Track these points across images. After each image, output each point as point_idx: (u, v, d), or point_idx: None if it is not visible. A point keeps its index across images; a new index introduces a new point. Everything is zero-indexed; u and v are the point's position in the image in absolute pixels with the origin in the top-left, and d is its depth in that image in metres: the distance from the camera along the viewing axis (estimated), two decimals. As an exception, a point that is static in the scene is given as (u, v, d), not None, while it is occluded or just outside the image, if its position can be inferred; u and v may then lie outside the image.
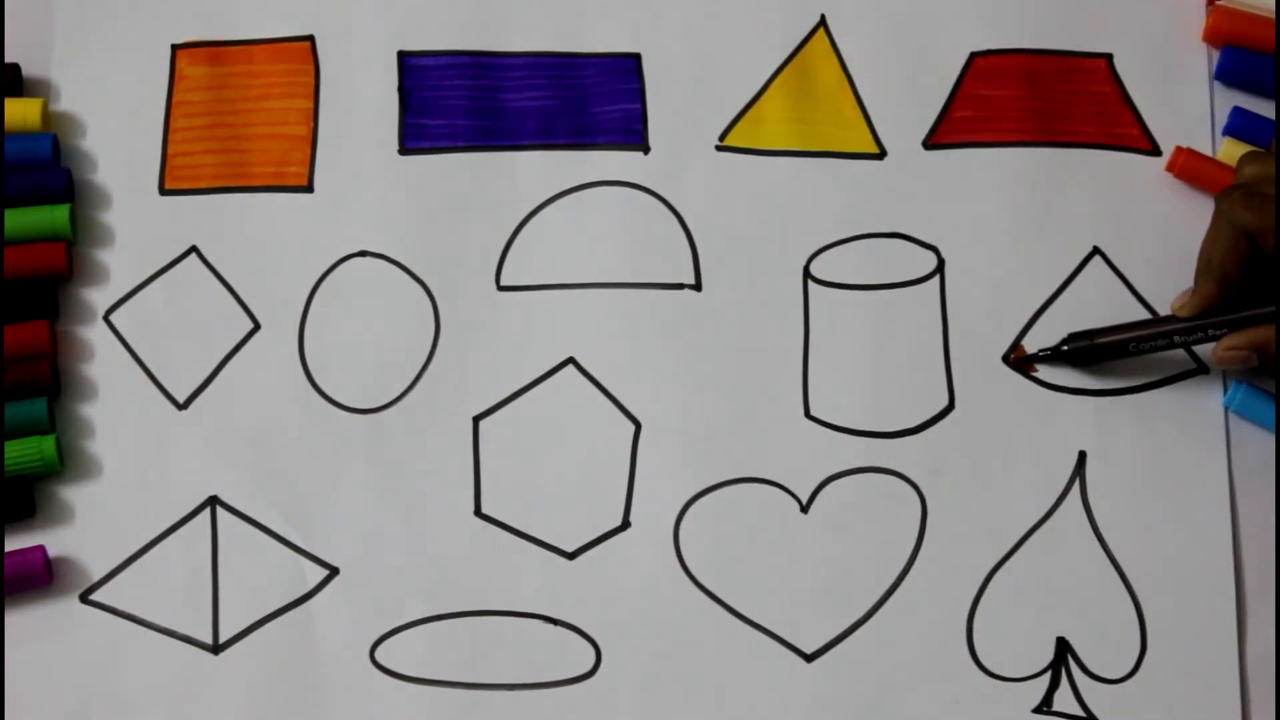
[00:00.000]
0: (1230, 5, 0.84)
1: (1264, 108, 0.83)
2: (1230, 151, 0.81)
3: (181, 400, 0.79)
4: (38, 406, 0.77)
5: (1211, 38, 0.84)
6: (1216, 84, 0.84)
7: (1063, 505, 0.78)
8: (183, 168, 0.82)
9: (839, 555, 0.78)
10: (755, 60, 0.84)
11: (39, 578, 0.76)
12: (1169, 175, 0.82)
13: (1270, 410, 0.79)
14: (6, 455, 0.76)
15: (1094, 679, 0.77)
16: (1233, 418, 0.79)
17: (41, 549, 0.76)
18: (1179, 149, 0.82)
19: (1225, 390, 0.80)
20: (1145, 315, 0.80)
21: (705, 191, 0.82)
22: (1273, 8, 0.83)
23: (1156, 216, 0.82)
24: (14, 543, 0.77)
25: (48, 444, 0.77)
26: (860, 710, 0.76)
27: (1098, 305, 0.81)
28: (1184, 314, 0.77)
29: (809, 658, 0.77)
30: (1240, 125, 0.82)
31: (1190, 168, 0.82)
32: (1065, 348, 0.79)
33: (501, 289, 0.81)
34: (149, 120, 0.82)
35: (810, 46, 0.84)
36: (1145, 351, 0.78)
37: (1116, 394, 0.80)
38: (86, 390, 0.79)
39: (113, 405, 0.79)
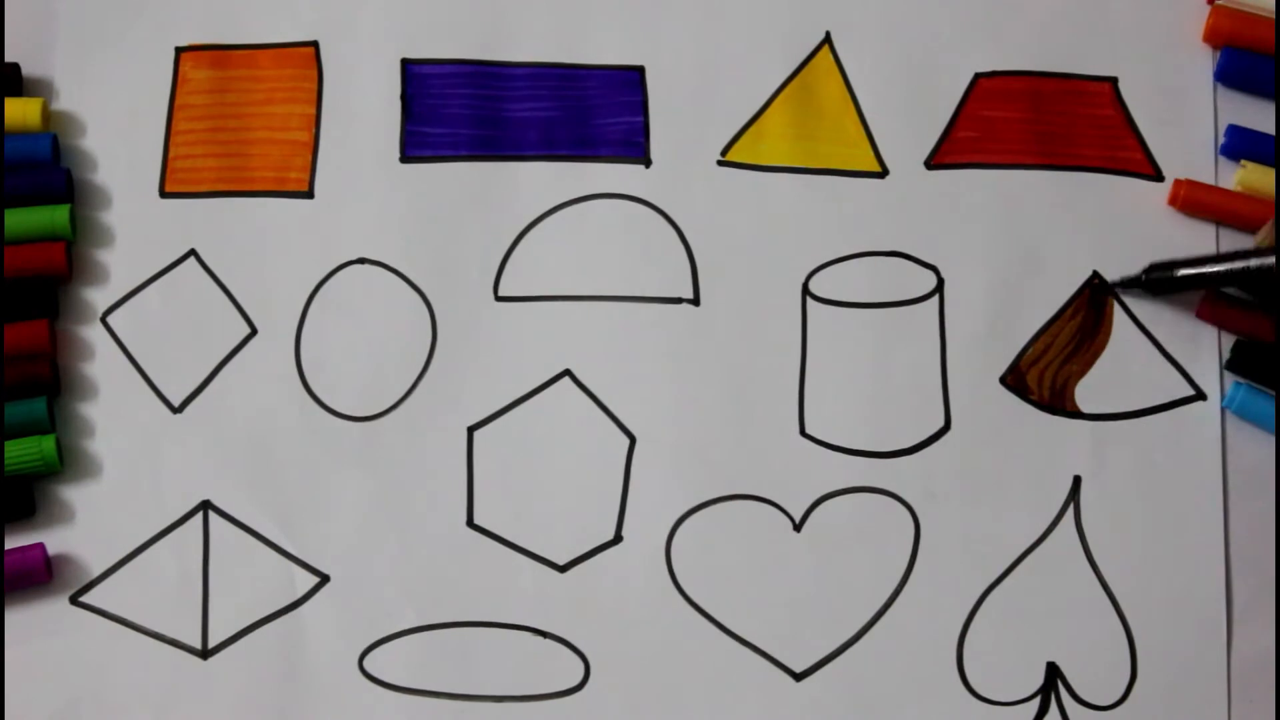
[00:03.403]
0: (1230, 5, 0.83)
1: (1263, 108, 0.83)
2: (1233, 176, 0.82)
3: (176, 403, 0.79)
4: (38, 406, 0.77)
5: (1212, 38, 0.84)
6: (1221, 95, 0.83)
7: (1056, 529, 0.78)
8: (183, 170, 0.82)
9: (831, 574, 0.78)
10: (758, 76, 0.83)
11: (38, 575, 0.76)
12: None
13: (1270, 411, 0.79)
14: (6, 455, 0.76)
15: (1083, 705, 0.76)
16: (1229, 442, 0.79)
17: (41, 547, 0.76)
18: (1179, 181, 0.82)
19: (1221, 412, 0.80)
20: (1142, 339, 0.80)
21: (706, 206, 0.82)
22: (1273, 8, 0.83)
23: (1157, 242, 0.81)
24: (13, 542, 0.77)
25: (48, 443, 0.77)
26: (848, 730, 0.76)
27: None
28: (1262, 245, 0.77)
29: (798, 676, 0.77)
30: (1238, 144, 0.82)
31: (1192, 199, 0.81)
32: (1144, 277, 0.79)
33: (500, 299, 0.81)
34: (150, 122, 0.82)
35: (814, 63, 0.84)
36: (1224, 282, 0.78)
37: (1113, 419, 0.80)
38: (86, 390, 0.79)
39: (110, 406, 0.79)
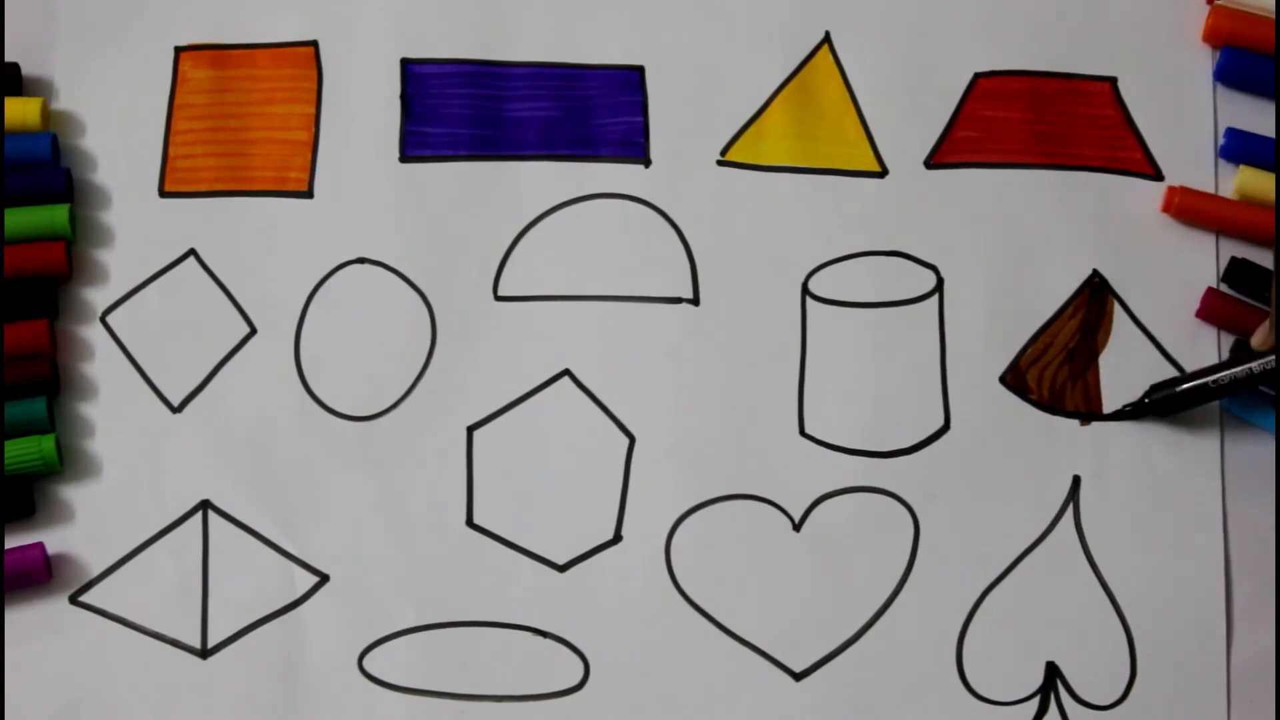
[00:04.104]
0: (1230, 5, 0.83)
1: (1263, 108, 0.83)
2: (1232, 179, 0.82)
3: (176, 403, 0.79)
4: (37, 405, 0.77)
5: (1211, 38, 0.84)
6: (1220, 96, 0.83)
7: (1056, 529, 0.78)
8: (183, 170, 0.82)
9: (830, 574, 0.78)
10: (758, 76, 0.83)
11: (38, 574, 0.76)
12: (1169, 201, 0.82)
13: (1270, 411, 0.79)
14: (6, 455, 0.76)
15: (1082, 705, 0.76)
16: (1228, 446, 0.79)
17: (41, 546, 0.76)
18: (1172, 189, 0.82)
19: (1221, 412, 0.80)
20: (1143, 339, 0.80)
21: (705, 206, 0.82)
22: (1272, 8, 0.83)
23: (1156, 241, 0.82)
24: (13, 542, 0.77)
25: (47, 443, 0.77)
26: (848, 730, 0.76)
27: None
28: (1262, 349, 0.77)
29: (798, 676, 0.77)
30: (1237, 148, 0.82)
31: (1186, 206, 0.81)
32: (1148, 400, 0.79)
33: (499, 299, 0.81)
34: (150, 122, 0.82)
35: (814, 63, 0.84)
36: (1227, 392, 0.77)
37: (1113, 419, 0.80)
38: (85, 390, 0.79)
39: (110, 406, 0.79)
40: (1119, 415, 0.79)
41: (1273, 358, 0.76)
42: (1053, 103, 0.83)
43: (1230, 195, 0.82)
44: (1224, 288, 0.81)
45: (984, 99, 0.83)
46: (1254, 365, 0.76)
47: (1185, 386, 0.78)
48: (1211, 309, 0.80)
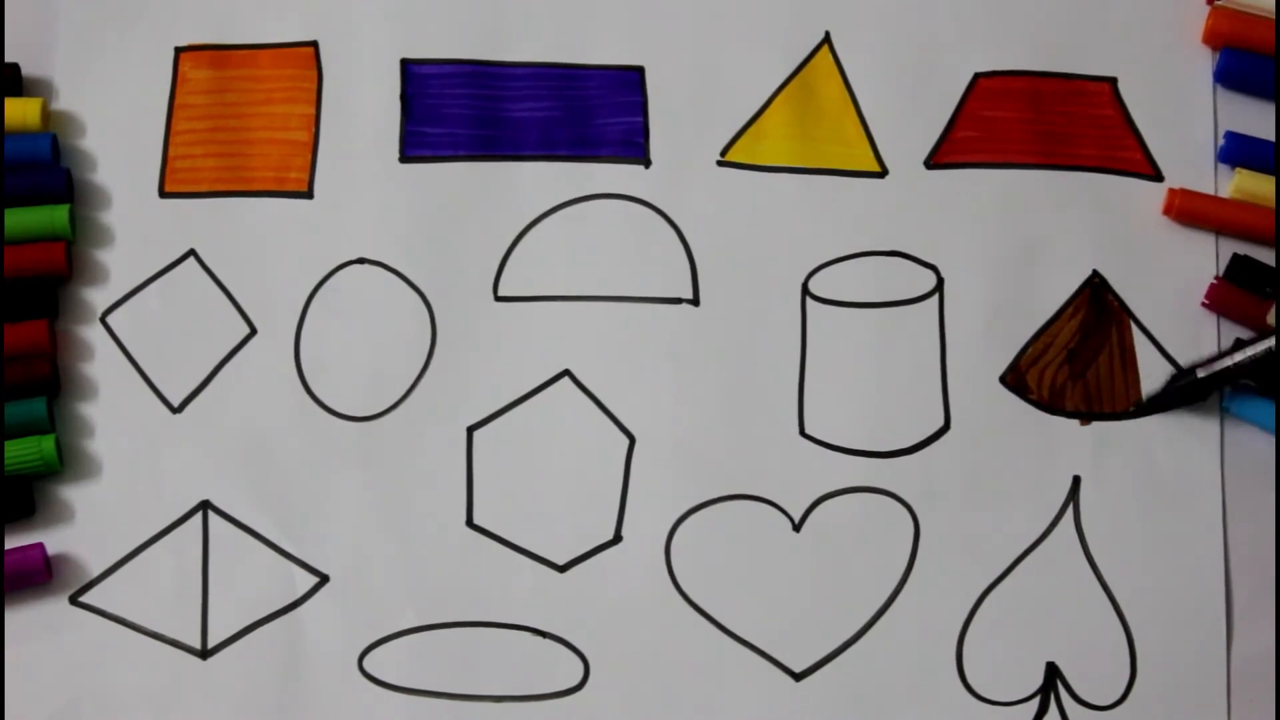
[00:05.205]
0: (1230, 6, 0.83)
1: (1263, 109, 0.83)
2: (1230, 183, 0.82)
3: (176, 404, 0.79)
4: (37, 406, 0.77)
5: (1211, 39, 0.83)
6: (1220, 96, 0.83)
7: (1056, 530, 0.78)
8: (183, 170, 0.82)
9: (830, 574, 0.78)
10: (758, 76, 0.83)
11: (38, 575, 0.76)
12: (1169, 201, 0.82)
13: (1270, 411, 0.79)
14: (6, 455, 0.76)
15: (1082, 705, 0.76)
16: (1228, 446, 0.79)
17: (41, 547, 0.76)
18: (1173, 191, 0.82)
19: (1221, 412, 0.80)
20: (1142, 339, 0.80)
21: (705, 206, 0.82)
22: (1273, 8, 0.83)
23: (1156, 241, 0.82)
24: (13, 542, 0.77)
25: (47, 443, 0.77)
26: (848, 730, 0.76)
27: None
28: None
29: (798, 676, 0.77)
30: (1235, 150, 0.82)
31: (1187, 208, 0.81)
32: (1172, 387, 0.79)
33: (499, 299, 0.81)
34: (150, 122, 0.82)
35: (814, 63, 0.84)
36: (1251, 373, 0.77)
37: (1113, 418, 0.80)
38: (85, 390, 0.79)
39: (110, 406, 0.79)
40: (1143, 409, 0.79)
41: None
42: (1053, 103, 0.83)
43: (1228, 196, 0.82)
44: (1224, 287, 0.81)
45: (984, 99, 0.83)
46: (1275, 344, 0.76)
47: (1207, 372, 0.78)
48: (1217, 296, 0.80)
